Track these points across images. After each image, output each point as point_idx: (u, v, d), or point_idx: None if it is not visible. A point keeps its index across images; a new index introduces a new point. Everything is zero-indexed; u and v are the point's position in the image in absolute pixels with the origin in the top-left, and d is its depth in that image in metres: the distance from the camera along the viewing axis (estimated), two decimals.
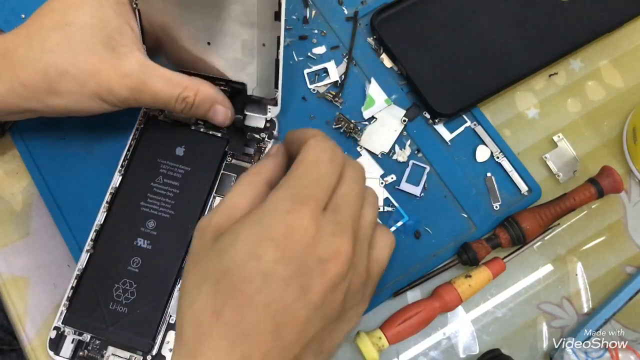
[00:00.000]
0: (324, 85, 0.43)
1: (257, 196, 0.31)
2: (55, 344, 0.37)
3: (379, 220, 0.40)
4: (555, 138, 0.43)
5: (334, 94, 0.43)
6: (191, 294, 0.29)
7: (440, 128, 0.42)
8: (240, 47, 0.36)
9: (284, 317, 0.27)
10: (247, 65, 0.37)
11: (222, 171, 0.40)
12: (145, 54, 0.36)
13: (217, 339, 0.27)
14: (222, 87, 0.38)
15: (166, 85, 0.35)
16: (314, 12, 0.45)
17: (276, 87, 0.38)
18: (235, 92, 0.39)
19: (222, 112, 0.38)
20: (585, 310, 0.40)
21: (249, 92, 0.38)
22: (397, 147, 0.42)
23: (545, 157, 0.42)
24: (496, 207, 0.41)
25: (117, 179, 0.39)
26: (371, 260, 0.32)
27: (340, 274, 0.28)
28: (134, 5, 0.35)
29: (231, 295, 0.27)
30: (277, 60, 0.36)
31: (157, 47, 0.37)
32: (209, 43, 0.35)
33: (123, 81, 0.34)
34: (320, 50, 0.44)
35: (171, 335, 0.37)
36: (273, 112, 0.40)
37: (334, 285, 0.28)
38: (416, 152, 0.42)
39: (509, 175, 0.41)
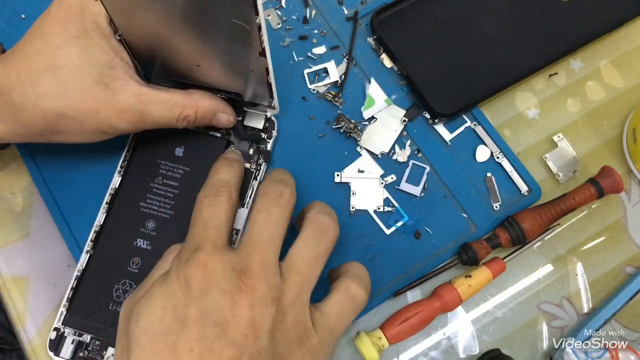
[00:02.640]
0: (324, 85, 0.43)
1: None
2: (55, 345, 0.37)
3: (382, 228, 0.40)
4: (555, 138, 0.43)
5: (334, 94, 0.43)
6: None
7: (440, 128, 0.42)
8: (230, 71, 0.35)
9: (208, 359, 0.27)
10: (239, 82, 0.37)
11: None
12: (139, 79, 0.36)
13: None
14: (219, 95, 0.38)
15: (165, 109, 0.35)
16: (314, 12, 0.45)
17: (271, 97, 0.38)
18: (232, 98, 0.39)
19: (225, 118, 0.38)
20: (585, 310, 0.40)
21: (246, 100, 0.39)
22: (397, 147, 0.42)
23: (545, 157, 0.42)
24: (496, 207, 0.41)
25: (116, 180, 0.39)
26: (316, 312, 0.31)
27: (249, 305, 0.28)
28: (118, 38, 0.35)
29: (156, 351, 0.28)
30: (269, 84, 0.36)
31: (151, 63, 0.37)
32: (198, 65, 0.35)
33: (123, 116, 0.34)
34: (320, 50, 0.44)
35: None
36: (272, 111, 0.40)
37: (250, 319, 0.28)
38: (416, 152, 0.42)
39: (509, 175, 0.41)
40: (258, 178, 0.40)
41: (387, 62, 0.44)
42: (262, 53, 0.32)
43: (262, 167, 0.40)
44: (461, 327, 0.39)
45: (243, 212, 0.39)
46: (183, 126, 0.37)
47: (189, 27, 0.32)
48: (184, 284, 0.29)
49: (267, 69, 0.34)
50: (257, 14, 0.29)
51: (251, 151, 0.40)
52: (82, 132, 0.35)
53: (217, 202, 0.32)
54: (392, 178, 0.41)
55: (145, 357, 0.28)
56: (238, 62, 0.34)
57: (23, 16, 0.45)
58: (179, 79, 0.37)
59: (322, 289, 0.33)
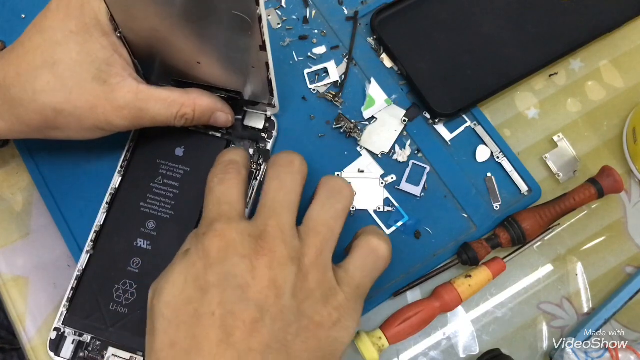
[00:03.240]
0: (324, 85, 0.43)
1: None
2: (56, 345, 0.37)
3: (382, 228, 0.40)
4: (555, 138, 0.43)
5: (334, 94, 0.43)
6: (149, 344, 0.30)
7: (440, 128, 0.42)
8: (230, 68, 0.35)
9: (230, 322, 0.27)
10: (239, 80, 0.37)
11: None
12: (137, 77, 0.36)
13: None
14: (219, 94, 0.38)
15: (163, 107, 0.35)
16: (314, 12, 0.45)
17: (271, 95, 0.38)
18: (232, 97, 0.39)
19: (223, 117, 0.38)
20: (585, 310, 0.40)
21: (246, 98, 0.39)
22: (397, 147, 0.42)
23: (545, 157, 0.42)
24: (496, 207, 0.41)
25: (116, 180, 0.39)
26: (339, 270, 0.31)
27: (268, 266, 0.28)
28: (118, 35, 0.35)
29: (180, 320, 0.28)
30: (269, 80, 0.36)
31: (151, 61, 0.37)
32: (198, 62, 0.35)
33: (120, 113, 0.34)
34: (320, 50, 0.44)
35: None
36: (272, 110, 0.40)
37: (270, 279, 0.28)
38: (416, 152, 0.42)
39: (509, 175, 0.41)
40: (258, 178, 0.40)
41: (387, 62, 0.44)
42: (263, 47, 0.32)
43: (262, 167, 0.40)
44: (461, 327, 0.39)
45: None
46: (181, 125, 0.37)
47: (190, 23, 0.32)
48: (203, 255, 0.29)
49: (267, 63, 0.34)
50: (257, 4, 0.29)
51: (251, 151, 0.40)
52: (80, 128, 0.35)
53: (227, 179, 0.33)
54: (392, 178, 0.41)
55: (170, 328, 0.28)
56: (238, 58, 0.34)
57: (23, 16, 0.45)
58: (178, 78, 0.37)
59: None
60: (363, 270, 0.32)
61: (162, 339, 0.28)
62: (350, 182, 0.34)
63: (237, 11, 0.30)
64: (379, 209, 0.40)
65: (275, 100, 0.38)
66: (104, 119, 0.34)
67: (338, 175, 0.41)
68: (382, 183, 0.41)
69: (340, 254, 0.33)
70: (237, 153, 0.35)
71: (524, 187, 0.41)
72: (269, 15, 0.45)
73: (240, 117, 0.41)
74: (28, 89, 0.33)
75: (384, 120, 0.42)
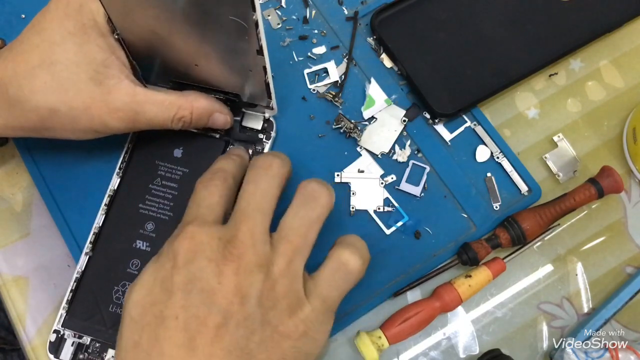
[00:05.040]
0: (324, 85, 0.43)
1: None
2: (55, 347, 0.37)
3: (382, 228, 0.40)
4: (555, 138, 0.43)
5: (334, 94, 0.43)
6: (117, 338, 0.30)
7: (440, 128, 0.42)
8: (228, 70, 0.35)
9: (193, 326, 0.27)
10: (237, 82, 0.37)
11: None
12: (134, 79, 0.36)
13: None
14: (217, 96, 0.38)
15: (160, 110, 0.35)
16: (314, 12, 0.45)
17: (269, 97, 0.38)
18: (230, 98, 0.39)
19: (221, 118, 0.38)
20: (585, 310, 0.40)
21: (244, 100, 0.39)
22: (397, 147, 0.42)
23: (545, 157, 0.42)
24: (496, 207, 0.41)
25: (115, 181, 0.39)
26: (309, 281, 0.31)
27: (235, 272, 0.28)
28: (116, 36, 0.35)
29: (144, 322, 0.28)
30: (267, 83, 0.36)
31: (149, 62, 0.37)
32: (196, 65, 0.35)
33: (116, 115, 0.34)
34: (320, 50, 0.44)
35: None
36: (270, 112, 0.40)
37: (236, 285, 0.28)
38: (416, 152, 0.42)
39: (509, 175, 0.41)
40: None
41: (387, 62, 0.44)
42: (260, 51, 0.32)
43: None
44: (461, 327, 0.39)
45: None
46: (179, 127, 0.37)
47: (187, 26, 0.32)
48: (172, 257, 0.29)
49: (264, 67, 0.34)
50: (254, 10, 0.29)
51: (250, 152, 0.40)
52: (75, 129, 0.35)
53: (211, 185, 0.33)
54: (392, 178, 0.41)
55: (135, 328, 0.28)
56: (236, 61, 0.34)
57: (23, 16, 0.45)
58: (177, 79, 0.37)
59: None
60: (330, 284, 0.31)
61: (127, 339, 0.28)
62: (330, 186, 0.33)
63: (233, 16, 0.30)
64: (379, 209, 0.40)
65: (274, 103, 0.38)
66: (99, 120, 0.34)
67: (338, 174, 0.41)
68: (382, 183, 0.41)
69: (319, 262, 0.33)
70: (228, 162, 0.35)
71: (523, 187, 0.41)
72: (268, 16, 0.45)
73: (238, 118, 0.40)
74: (25, 88, 0.33)
75: (384, 120, 0.42)
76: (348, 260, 0.31)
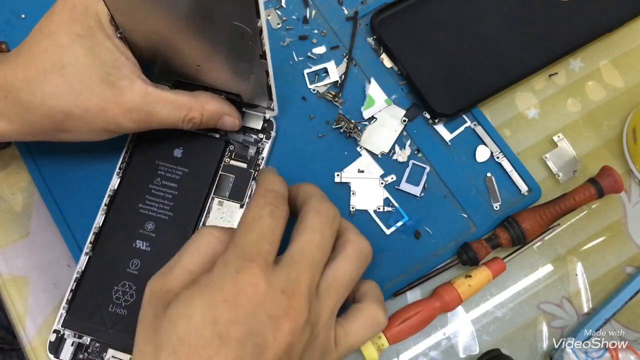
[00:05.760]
0: (324, 85, 0.43)
1: (213, 255, 0.31)
2: (55, 347, 0.37)
3: (382, 228, 0.40)
4: (555, 138, 0.43)
5: (334, 94, 0.43)
6: (149, 355, 0.28)
7: (440, 128, 0.42)
8: (230, 72, 0.35)
9: None
10: (239, 84, 0.37)
11: (220, 172, 0.40)
12: (145, 79, 0.36)
13: None
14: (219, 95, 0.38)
15: (171, 110, 0.35)
16: (314, 12, 0.45)
17: (271, 99, 0.38)
18: (231, 99, 0.39)
19: (230, 121, 0.38)
20: (585, 310, 0.40)
21: (245, 100, 0.39)
22: (397, 147, 0.42)
23: (545, 157, 0.42)
24: (496, 207, 0.41)
25: (115, 181, 0.39)
26: (340, 329, 0.31)
27: (291, 331, 0.28)
28: (119, 35, 0.35)
29: None
30: (268, 86, 0.36)
31: (151, 62, 0.37)
32: (198, 65, 0.35)
33: (129, 116, 0.34)
34: (320, 50, 0.44)
35: None
36: (270, 113, 0.40)
37: (289, 344, 0.28)
38: (416, 152, 0.42)
39: (509, 175, 0.41)
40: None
41: (387, 62, 0.44)
42: (263, 56, 0.32)
43: (261, 167, 0.40)
44: (461, 327, 0.39)
45: (240, 213, 0.39)
46: (188, 128, 0.37)
47: (191, 29, 0.32)
48: (230, 299, 0.27)
49: (267, 71, 0.34)
50: (258, 17, 0.29)
51: (249, 152, 0.40)
52: (89, 130, 0.35)
53: (278, 215, 0.31)
54: (392, 178, 0.41)
55: None
56: (238, 64, 0.34)
57: (23, 16, 0.45)
58: (178, 78, 0.37)
59: None
60: (361, 337, 0.32)
61: None
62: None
63: (238, 22, 0.30)
64: (379, 209, 0.40)
65: (275, 105, 0.39)
66: (113, 121, 0.34)
67: (338, 174, 0.41)
68: (382, 183, 0.41)
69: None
70: (284, 185, 0.33)
71: (523, 187, 0.41)
72: (268, 16, 0.45)
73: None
74: (37, 93, 0.33)
75: (384, 120, 0.42)
76: (382, 319, 0.33)
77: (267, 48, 0.32)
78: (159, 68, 0.37)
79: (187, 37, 0.33)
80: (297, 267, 0.29)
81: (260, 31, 0.30)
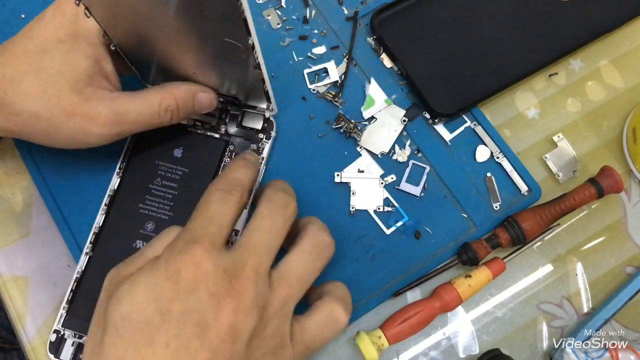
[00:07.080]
0: (324, 85, 0.43)
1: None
2: (55, 347, 0.37)
3: (382, 228, 0.40)
4: (555, 138, 0.43)
5: (334, 94, 0.43)
6: (94, 346, 0.29)
7: (440, 128, 0.42)
8: (226, 80, 0.35)
9: (182, 356, 0.27)
10: (236, 89, 0.37)
11: (220, 172, 0.40)
12: (114, 88, 0.36)
13: None
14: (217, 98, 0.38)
15: (142, 106, 0.35)
16: (314, 12, 0.45)
17: (269, 102, 0.38)
18: (230, 100, 0.39)
19: (206, 97, 0.38)
20: (585, 310, 0.40)
21: (244, 103, 0.39)
22: (397, 147, 0.42)
23: (545, 157, 0.42)
24: (496, 207, 0.41)
25: (115, 181, 0.39)
26: (296, 325, 0.31)
27: (233, 311, 0.28)
28: (113, 48, 0.35)
29: (132, 340, 0.27)
30: (265, 92, 0.36)
31: (147, 69, 0.37)
32: (194, 73, 0.35)
33: (97, 121, 0.34)
34: (320, 50, 0.44)
35: None
36: (270, 112, 0.40)
37: (231, 325, 0.28)
38: (416, 152, 0.42)
39: (509, 175, 0.41)
40: (257, 179, 0.40)
41: (387, 62, 0.44)
42: (257, 67, 0.33)
43: (261, 167, 0.40)
44: (461, 327, 0.39)
45: (242, 214, 0.39)
46: (168, 119, 0.36)
47: (184, 44, 0.32)
48: (172, 277, 0.28)
49: (262, 79, 0.34)
50: (249, 34, 0.30)
51: (250, 151, 0.40)
52: (58, 136, 0.35)
53: (228, 200, 0.31)
54: (392, 178, 0.41)
55: (121, 343, 0.27)
56: (233, 73, 0.34)
57: (23, 16, 0.45)
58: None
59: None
60: (317, 335, 0.32)
61: (110, 352, 0.27)
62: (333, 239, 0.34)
63: (229, 39, 0.30)
64: (379, 209, 0.40)
65: (273, 105, 0.39)
66: (81, 127, 0.34)
67: (338, 174, 0.41)
68: (382, 183, 0.41)
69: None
70: (247, 173, 0.33)
71: (523, 187, 0.41)
72: (268, 15, 0.45)
73: (239, 117, 0.40)
74: (10, 92, 0.34)
75: (384, 120, 0.42)
76: (340, 317, 0.32)
77: (261, 60, 0.32)
78: (155, 73, 0.37)
79: (181, 50, 0.33)
80: (243, 250, 0.30)
81: (253, 47, 0.30)
